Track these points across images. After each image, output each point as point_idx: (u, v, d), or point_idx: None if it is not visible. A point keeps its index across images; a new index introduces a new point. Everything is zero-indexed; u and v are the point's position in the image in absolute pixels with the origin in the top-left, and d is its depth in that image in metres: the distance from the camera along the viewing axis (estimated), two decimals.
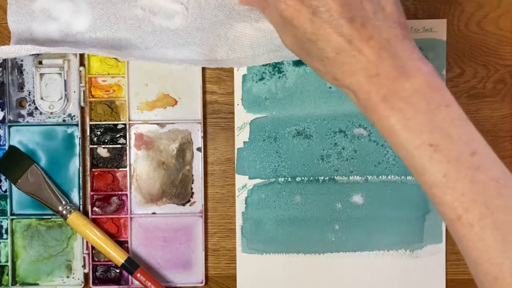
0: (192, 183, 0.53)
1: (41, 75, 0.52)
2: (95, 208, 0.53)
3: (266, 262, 0.53)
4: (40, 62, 0.52)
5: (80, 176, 0.53)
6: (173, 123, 0.53)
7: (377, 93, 0.39)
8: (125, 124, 0.53)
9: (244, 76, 0.53)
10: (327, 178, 0.53)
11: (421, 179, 0.38)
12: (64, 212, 0.51)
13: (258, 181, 0.53)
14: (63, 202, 0.52)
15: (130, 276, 0.53)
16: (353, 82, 0.39)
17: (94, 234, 0.51)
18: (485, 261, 0.36)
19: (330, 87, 0.52)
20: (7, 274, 0.53)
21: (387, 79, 0.38)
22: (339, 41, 0.39)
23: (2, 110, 0.52)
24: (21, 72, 0.52)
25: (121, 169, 0.53)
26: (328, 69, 0.41)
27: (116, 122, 0.53)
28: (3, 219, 0.53)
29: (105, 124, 0.53)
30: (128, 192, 0.53)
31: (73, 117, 0.53)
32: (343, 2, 0.38)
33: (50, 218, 0.53)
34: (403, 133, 0.38)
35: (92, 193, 0.53)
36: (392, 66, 0.38)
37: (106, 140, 0.53)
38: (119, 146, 0.53)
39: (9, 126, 0.52)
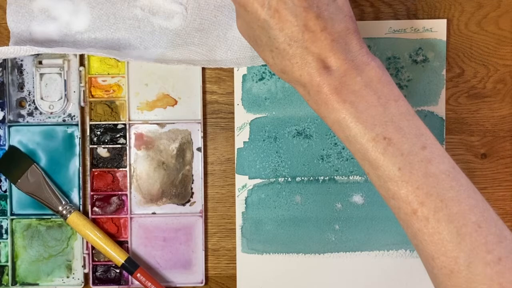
0: (192, 183, 0.53)
1: (41, 75, 0.52)
2: (95, 208, 0.53)
3: (266, 262, 0.53)
4: (40, 62, 0.52)
5: (80, 176, 0.53)
6: (173, 123, 0.53)
7: (328, 86, 0.38)
8: (125, 124, 0.53)
9: (244, 76, 0.53)
10: (327, 178, 0.53)
11: (375, 173, 0.38)
12: (64, 212, 0.51)
13: (258, 181, 0.53)
14: (63, 202, 0.52)
15: (130, 276, 0.53)
16: (303, 75, 0.39)
17: (94, 234, 0.51)
18: (441, 255, 0.37)
19: None
20: (7, 274, 0.53)
21: (338, 72, 0.38)
22: (293, 30, 0.38)
23: (2, 110, 0.52)
24: (21, 72, 0.52)
25: (121, 169, 0.53)
26: (277, 61, 0.40)
27: (116, 122, 0.53)
28: (3, 219, 0.53)
29: (105, 124, 0.53)
30: (128, 192, 0.53)
31: (73, 117, 0.53)
32: None
33: (50, 218, 0.53)
34: (356, 126, 0.38)
35: (92, 193, 0.53)
36: (343, 59, 0.38)
37: (106, 140, 0.53)
38: (119, 146, 0.53)
39: (9, 126, 0.52)
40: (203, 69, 0.53)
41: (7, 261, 0.53)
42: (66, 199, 0.52)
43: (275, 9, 0.38)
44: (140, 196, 0.53)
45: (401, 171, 0.37)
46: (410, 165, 0.37)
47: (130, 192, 0.53)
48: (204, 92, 0.53)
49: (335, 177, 0.53)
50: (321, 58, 0.38)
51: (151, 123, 0.53)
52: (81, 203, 0.53)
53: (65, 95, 0.52)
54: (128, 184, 0.53)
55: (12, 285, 0.53)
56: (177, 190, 0.53)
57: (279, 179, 0.53)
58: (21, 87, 0.52)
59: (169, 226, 0.53)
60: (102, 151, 0.53)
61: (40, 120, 0.53)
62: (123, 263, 0.51)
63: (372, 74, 0.39)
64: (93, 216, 0.53)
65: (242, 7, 0.40)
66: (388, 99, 0.38)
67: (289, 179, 0.53)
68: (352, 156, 0.53)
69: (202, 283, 0.53)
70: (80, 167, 0.53)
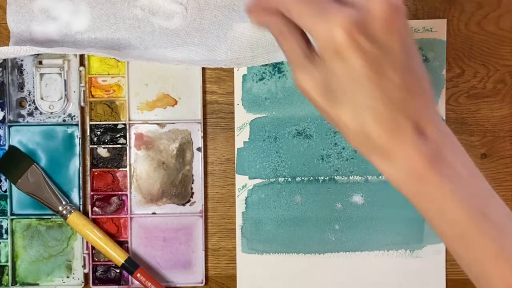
0: (192, 183, 0.53)
1: (41, 75, 0.52)
2: (95, 208, 0.53)
3: (266, 262, 0.53)
4: (40, 62, 0.52)
5: (80, 176, 0.53)
6: (173, 123, 0.53)
7: (423, 155, 0.35)
8: (125, 124, 0.53)
9: (244, 76, 0.53)
10: (327, 178, 0.53)
11: (466, 249, 0.36)
12: (64, 212, 0.51)
13: (258, 181, 0.53)
14: (63, 202, 0.52)
15: (130, 276, 0.53)
16: (392, 142, 0.35)
17: (94, 234, 0.51)
18: None
19: None
20: (7, 274, 0.53)
21: (432, 140, 0.35)
22: (392, 88, 0.34)
23: (2, 110, 0.52)
24: (21, 72, 0.52)
25: (121, 169, 0.53)
26: (360, 121, 0.35)
27: (116, 122, 0.53)
28: (3, 219, 0.53)
29: (105, 124, 0.53)
30: (128, 192, 0.53)
31: (73, 117, 0.53)
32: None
33: (50, 218, 0.53)
34: (454, 202, 0.35)
35: (92, 193, 0.53)
36: (436, 127, 0.36)
37: (106, 140, 0.53)
38: (119, 146, 0.53)
39: (9, 126, 0.52)
40: (203, 69, 0.53)
41: (7, 261, 0.53)
42: (66, 199, 0.52)
43: (378, 64, 0.34)
44: (140, 196, 0.53)
45: (500, 248, 0.35)
46: (509, 241, 0.35)
47: (130, 192, 0.53)
48: (204, 92, 0.53)
49: (335, 177, 0.53)
50: (416, 123, 0.35)
51: (151, 123, 0.53)
52: (81, 203, 0.53)
53: (65, 95, 0.52)
54: (128, 184, 0.53)
55: (12, 285, 0.53)
56: (177, 190, 0.53)
57: (279, 179, 0.53)
58: (21, 87, 0.52)
59: (169, 226, 0.53)
60: (102, 151, 0.53)
61: (40, 120, 0.53)
62: (123, 263, 0.51)
63: (455, 144, 0.36)
64: (93, 216, 0.53)
65: (338, 53, 0.33)
66: (473, 171, 0.36)
67: (289, 179, 0.53)
68: (352, 156, 0.53)
69: (202, 283, 0.53)
70: (80, 167, 0.53)
